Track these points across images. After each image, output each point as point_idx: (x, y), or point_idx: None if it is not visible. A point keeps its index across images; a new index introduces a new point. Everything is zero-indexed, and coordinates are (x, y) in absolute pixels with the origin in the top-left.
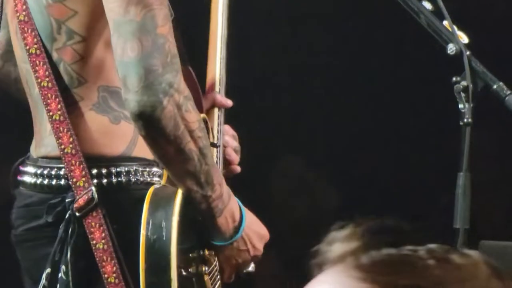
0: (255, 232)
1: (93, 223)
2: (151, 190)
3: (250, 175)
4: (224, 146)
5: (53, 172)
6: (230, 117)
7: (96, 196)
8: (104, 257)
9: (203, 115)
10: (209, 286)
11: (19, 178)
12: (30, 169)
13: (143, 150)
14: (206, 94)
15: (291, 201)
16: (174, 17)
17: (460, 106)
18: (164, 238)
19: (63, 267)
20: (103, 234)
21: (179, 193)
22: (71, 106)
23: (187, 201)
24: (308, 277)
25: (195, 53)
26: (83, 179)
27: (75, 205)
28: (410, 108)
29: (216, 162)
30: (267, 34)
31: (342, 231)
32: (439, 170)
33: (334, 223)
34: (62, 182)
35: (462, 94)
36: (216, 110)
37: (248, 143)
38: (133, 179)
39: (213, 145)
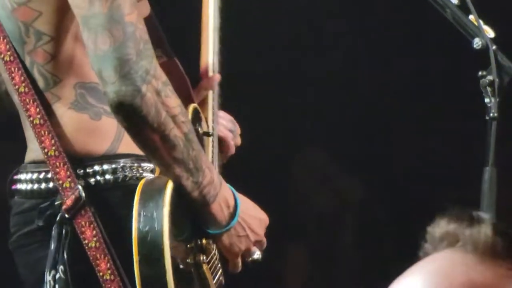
0: (252, 216)
1: (83, 223)
2: (141, 182)
3: (270, 168)
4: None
5: (41, 176)
6: (249, 110)
7: (83, 194)
8: (98, 255)
9: (194, 104)
10: (208, 276)
11: (13, 187)
12: (22, 176)
13: (129, 146)
14: (199, 84)
15: (313, 195)
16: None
17: (486, 100)
18: (156, 229)
19: (61, 267)
20: (94, 232)
21: (170, 183)
22: (50, 107)
23: (179, 191)
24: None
25: (188, 46)
26: (69, 179)
27: (64, 207)
28: (436, 102)
29: (212, 152)
30: (276, 28)
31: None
32: (466, 165)
33: (356, 216)
34: (50, 185)
35: (488, 89)
36: (210, 98)
37: (267, 137)
38: (121, 176)
39: (206, 134)
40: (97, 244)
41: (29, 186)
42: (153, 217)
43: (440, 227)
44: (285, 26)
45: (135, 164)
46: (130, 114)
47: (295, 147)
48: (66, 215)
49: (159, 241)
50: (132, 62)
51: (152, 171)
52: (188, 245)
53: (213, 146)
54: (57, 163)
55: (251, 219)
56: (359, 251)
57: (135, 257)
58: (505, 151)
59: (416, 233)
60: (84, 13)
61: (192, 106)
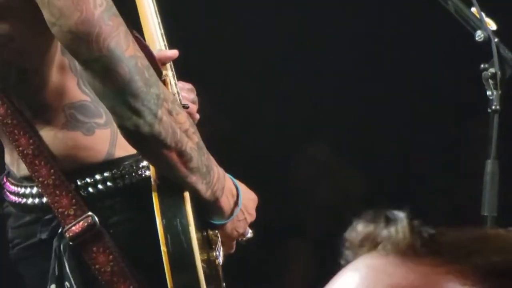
0: (247, 199)
1: (94, 249)
2: (154, 195)
3: (275, 162)
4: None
5: (40, 191)
6: (254, 103)
7: (97, 221)
8: (115, 279)
9: (164, 72)
10: (220, 269)
11: (7, 198)
12: (20, 190)
13: (124, 147)
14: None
15: (315, 187)
16: None
17: (488, 93)
18: (185, 246)
19: (66, 283)
20: (110, 257)
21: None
22: (41, 132)
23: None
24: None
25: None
26: (74, 207)
27: (70, 234)
28: (437, 95)
29: None
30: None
31: (370, 218)
32: (467, 157)
33: (360, 210)
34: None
35: (490, 81)
36: (169, 69)
37: (273, 130)
38: (123, 181)
39: (184, 106)
40: (115, 268)
41: (29, 200)
42: (176, 219)
43: (357, 231)
44: (288, 19)
45: (134, 166)
46: (150, 141)
47: (295, 142)
48: (71, 243)
49: (188, 242)
50: (143, 94)
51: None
52: (199, 241)
53: None
54: (57, 192)
55: (247, 201)
56: None
57: (166, 263)
58: (507, 144)
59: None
60: (85, 59)
61: (163, 74)
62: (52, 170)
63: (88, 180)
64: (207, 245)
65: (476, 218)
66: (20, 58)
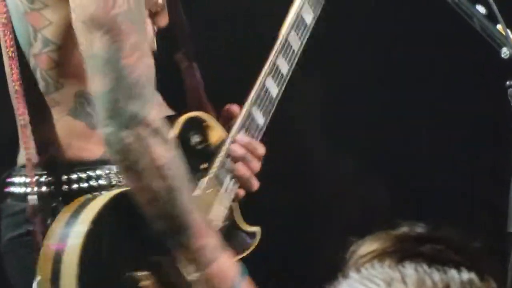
0: None
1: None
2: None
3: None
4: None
5: (33, 180)
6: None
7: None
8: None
9: (192, 114)
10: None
11: (6, 190)
12: (15, 179)
13: None
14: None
15: (341, 200)
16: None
17: None
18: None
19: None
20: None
21: (108, 196)
22: (47, 111)
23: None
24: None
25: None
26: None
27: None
28: (463, 112)
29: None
30: None
31: (376, 235)
32: (493, 175)
33: (383, 224)
34: (43, 189)
35: None
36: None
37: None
38: (114, 181)
39: (198, 147)
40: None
41: (22, 190)
42: (68, 235)
43: (364, 246)
44: None
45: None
46: (113, 155)
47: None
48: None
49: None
50: (118, 107)
51: None
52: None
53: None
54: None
55: None
56: None
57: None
58: None
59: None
60: (84, 51)
61: (186, 116)
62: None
63: (80, 175)
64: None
65: (502, 235)
66: (47, 27)
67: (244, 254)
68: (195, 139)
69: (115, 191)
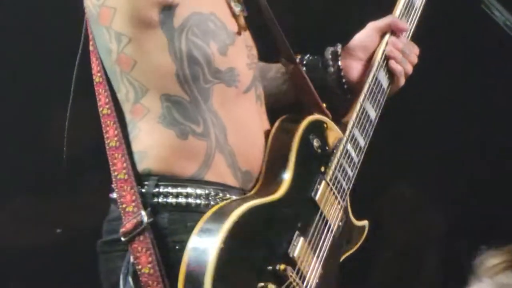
0: None
1: (139, 248)
2: (210, 211)
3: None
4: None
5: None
6: None
7: (145, 220)
8: (150, 282)
9: (319, 116)
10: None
11: (110, 195)
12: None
13: (218, 175)
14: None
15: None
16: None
17: None
18: (202, 266)
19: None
20: (150, 259)
21: (238, 209)
22: (141, 121)
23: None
24: None
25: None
26: (133, 204)
27: (122, 229)
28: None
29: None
30: None
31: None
32: None
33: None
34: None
35: None
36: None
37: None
38: (203, 202)
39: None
40: (151, 271)
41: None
42: (204, 252)
43: (494, 257)
44: None
45: (220, 194)
46: None
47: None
48: (123, 239)
49: (201, 280)
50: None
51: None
52: (260, 270)
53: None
54: (125, 187)
55: None
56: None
57: None
58: None
59: None
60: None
61: (309, 119)
62: (125, 164)
63: (171, 190)
64: (270, 277)
65: None
66: (114, 18)
67: (355, 248)
68: (316, 143)
69: (246, 206)
